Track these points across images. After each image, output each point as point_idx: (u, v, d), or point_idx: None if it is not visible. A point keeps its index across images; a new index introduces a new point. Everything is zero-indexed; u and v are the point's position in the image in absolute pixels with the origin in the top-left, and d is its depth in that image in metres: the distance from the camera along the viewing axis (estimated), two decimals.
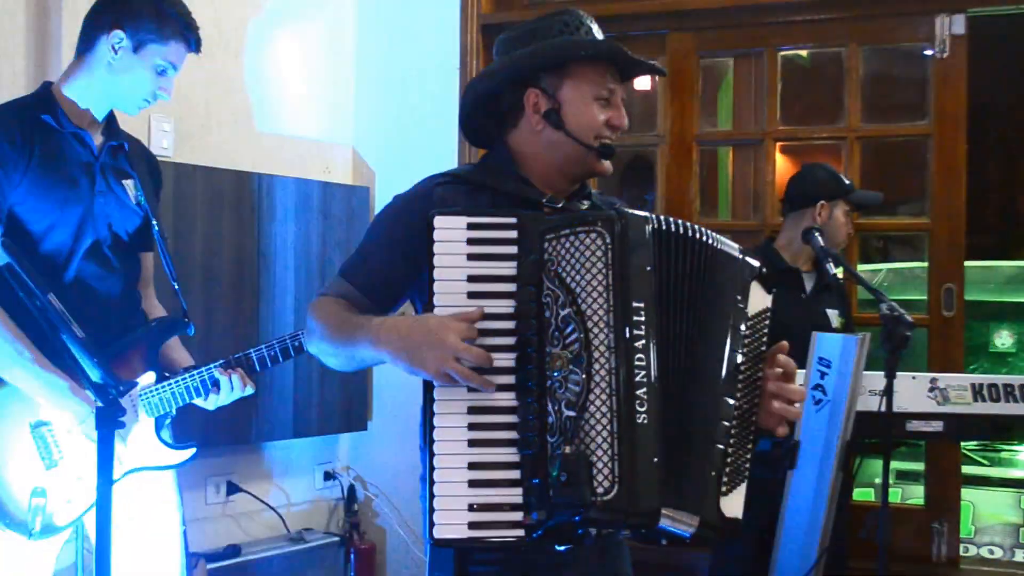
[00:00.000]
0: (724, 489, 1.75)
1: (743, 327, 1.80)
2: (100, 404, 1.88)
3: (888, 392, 2.71)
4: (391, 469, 4.35)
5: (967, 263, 3.81)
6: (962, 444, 4.11)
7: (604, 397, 1.63)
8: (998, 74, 6.95)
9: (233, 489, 3.96)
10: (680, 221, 1.78)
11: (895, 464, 4.28)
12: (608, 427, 1.62)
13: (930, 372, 3.08)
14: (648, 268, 1.70)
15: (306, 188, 4.12)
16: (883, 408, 2.72)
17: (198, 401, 2.60)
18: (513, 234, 1.71)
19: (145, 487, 2.58)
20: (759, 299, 1.85)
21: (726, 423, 1.76)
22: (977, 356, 5.61)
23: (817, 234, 3.30)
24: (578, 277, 1.67)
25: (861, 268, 4.50)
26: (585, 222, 1.70)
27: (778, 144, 4.16)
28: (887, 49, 4.47)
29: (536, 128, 1.93)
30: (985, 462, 5.00)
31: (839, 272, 3.27)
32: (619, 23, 4.08)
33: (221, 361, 2.58)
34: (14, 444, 2.47)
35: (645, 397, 1.65)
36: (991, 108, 7.26)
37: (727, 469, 1.75)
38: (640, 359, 1.66)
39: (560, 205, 1.89)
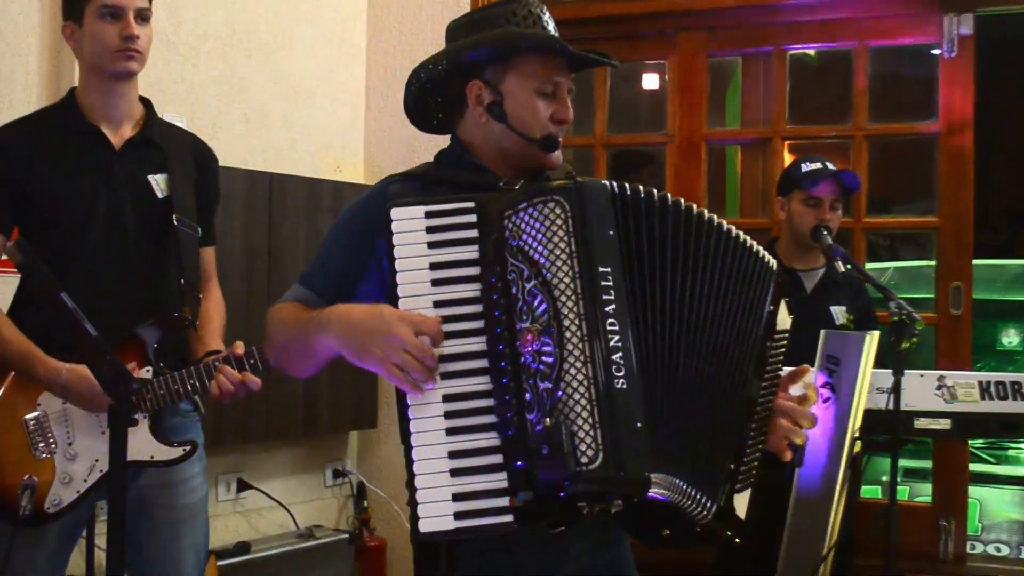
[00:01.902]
0: (739, 485, 1.71)
1: (761, 321, 1.77)
2: (112, 401, 1.89)
3: (896, 390, 2.71)
4: (400, 466, 4.29)
5: (975, 261, 3.82)
6: (969, 442, 4.12)
7: (579, 365, 1.58)
8: (1006, 73, 6.94)
9: (243, 486, 3.97)
10: (646, 187, 1.72)
11: (902, 462, 4.27)
12: (586, 395, 1.57)
13: (938, 370, 3.09)
14: (611, 232, 1.66)
15: (317, 187, 4.12)
16: (891, 406, 2.72)
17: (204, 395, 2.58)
18: (472, 217, 1.68)
19: (172, 481, 2.59)
20: (780, 317, 1.83)
21: (746, 410, 1.72)
22: (984, 354, 5.61)
23: (825, 232, 3.30)
24: (540, 248, 1.63)
25: (869, 266, 4.50)
26: (542, 193, 1.66)
27: (786, 143, 4.17)
28: (895, 48, 4.47)
29: (480, 120, 1.87)
30: (992, 460, 5.00)
31: (844, 269, 3.26)
32: (628, 23, 4.10)
33: (219, 358, 2.55)
34: (8, 433, 2.49)
35: (622, 362, 1.60)
36: (998, 107, 7.24)
37: (743, 466, 1.72)
38: (612, 324, 1.61)
39: (518, 186, 1.80)
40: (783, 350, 1.84)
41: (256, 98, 4.07)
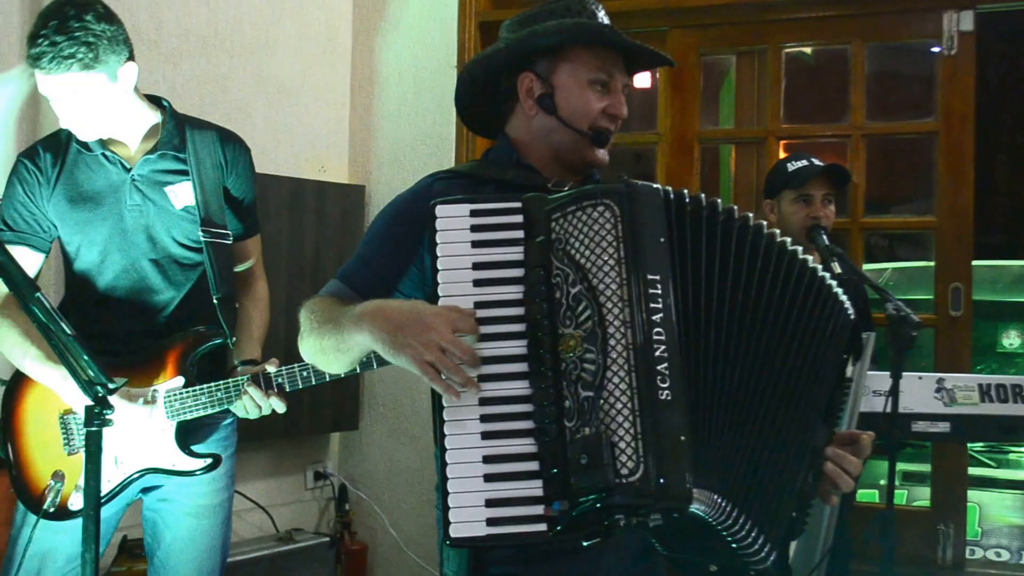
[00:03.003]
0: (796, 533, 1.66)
1: (834, 366, 1.71)
2: (89, 401, 1.88)
3: (894, 392, 2.66)
4: (382, 469, 4.33)
5: (975, 262, 3.77)
6: (968, 445, 4.06)
7: (622, 374, 1.52)
8: (1006, 71, 6.90)
9: None
10: (702, 195, 1.68)
11: (901, 465, 4.23)
12: (628, 405, 1.51)
13: (937, 372, 3.04)
14: (662, 240, 1.61)
15: (301, 187, 4.09)
16: (889, 409, 2.67)
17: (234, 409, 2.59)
18: (518, 218, 1.64)
19: (198, 480, 2.60)
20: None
21: (810, 458, 1.66)
22: (984, 356, 5.57)
23: (822, 232, 3.22)
24: (587, 253, 1.58)
25: (867, 267, 4.44)
26: (592, 196, 1.61)
27: (782, 142, 4.10)
28: (893, 46, 4.41)
29: (530, 114, 1.86)
30: (992, 463, 4.96)
31: (839, 271, 3.20)
32: (619, 19, 3.94)
33: (248, 376, 2.54)
34: (43, 429, 2.56)
35: (667, 373, 1.54)
36: (999, 105, 7.20)
37: (803, 515, 1.66)
38: (659, 333, 1.55)
39: (567, 187, 1.77)
40: (846, 400, 1.77)
41: (239, 98, 4.02)
